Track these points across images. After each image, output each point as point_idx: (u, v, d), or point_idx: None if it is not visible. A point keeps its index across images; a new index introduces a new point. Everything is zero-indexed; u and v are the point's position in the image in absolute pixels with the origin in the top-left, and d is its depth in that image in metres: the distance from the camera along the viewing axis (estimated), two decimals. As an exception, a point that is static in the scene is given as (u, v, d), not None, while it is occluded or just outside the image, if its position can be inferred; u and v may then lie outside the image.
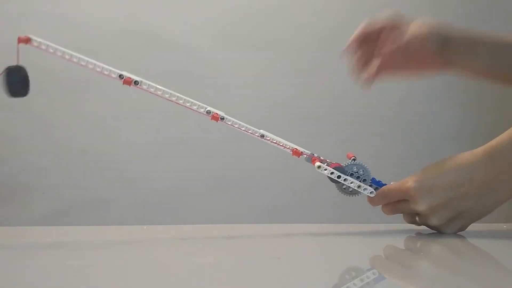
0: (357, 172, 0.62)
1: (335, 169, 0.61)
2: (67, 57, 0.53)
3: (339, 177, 0.61)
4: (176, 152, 1.24)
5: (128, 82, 0.55)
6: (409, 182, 0.59)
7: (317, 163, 0.61)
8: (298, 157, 0.62)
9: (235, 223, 1.20)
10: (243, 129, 0.60)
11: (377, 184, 0.63)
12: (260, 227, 0.74)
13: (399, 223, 0.66)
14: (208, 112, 0.59)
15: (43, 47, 0.52)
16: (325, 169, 0.60)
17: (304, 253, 0.51)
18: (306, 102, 1.30)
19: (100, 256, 0.46)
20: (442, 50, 0.68)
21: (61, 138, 1.18)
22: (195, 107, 0.59)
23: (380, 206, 0.64)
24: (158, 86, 0.57)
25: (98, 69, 0.54)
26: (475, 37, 0.69)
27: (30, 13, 1.18)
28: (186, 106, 0.58)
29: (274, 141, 0.61)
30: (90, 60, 0.54)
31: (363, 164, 0.62)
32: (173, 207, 1.21)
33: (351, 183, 0.61)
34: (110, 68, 0.55)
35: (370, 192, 0.62)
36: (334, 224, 0.72)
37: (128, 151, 1.21)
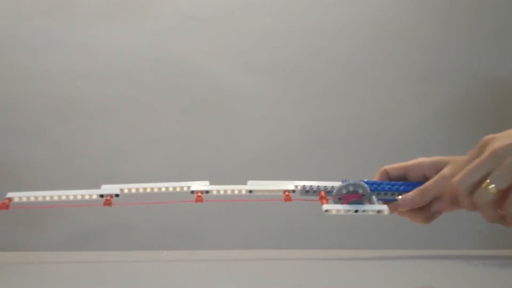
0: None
1: (352, 204, 0.53)
2: (48, 198, 0.53)
3: (356, 211, 0.53)
4: (196, 177, 1.24)
5: (108, 202, 0.54)
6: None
7: (324, 207, 0.53)
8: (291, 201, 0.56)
9: (255, 248, 1.19)
10: (229, 193, 0.58)
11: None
12: (280, 253, 0.73)
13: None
14: (192, 192, 0.57)
15: (24, 199, 0.53)
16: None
17: (326, 280, 0.50)
18: (322, 127, 1.29)
19: (119, 281, 0.46)
20: None
21: (83, 164, 1.20)
22: (177, 189, 0.57)
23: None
24: (137, 186, 0.56)
25: (79, 197, 0.55)
26: None
27: (52, 43, 1.21)
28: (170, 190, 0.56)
29: (264, 190, 0.58)
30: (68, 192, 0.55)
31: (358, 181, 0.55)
32: (193, 232, 1.21)
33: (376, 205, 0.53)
34: (89, 191, 0.55)
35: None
36: (353, 249, 0.70)
37: (148, 176, 1.22)
